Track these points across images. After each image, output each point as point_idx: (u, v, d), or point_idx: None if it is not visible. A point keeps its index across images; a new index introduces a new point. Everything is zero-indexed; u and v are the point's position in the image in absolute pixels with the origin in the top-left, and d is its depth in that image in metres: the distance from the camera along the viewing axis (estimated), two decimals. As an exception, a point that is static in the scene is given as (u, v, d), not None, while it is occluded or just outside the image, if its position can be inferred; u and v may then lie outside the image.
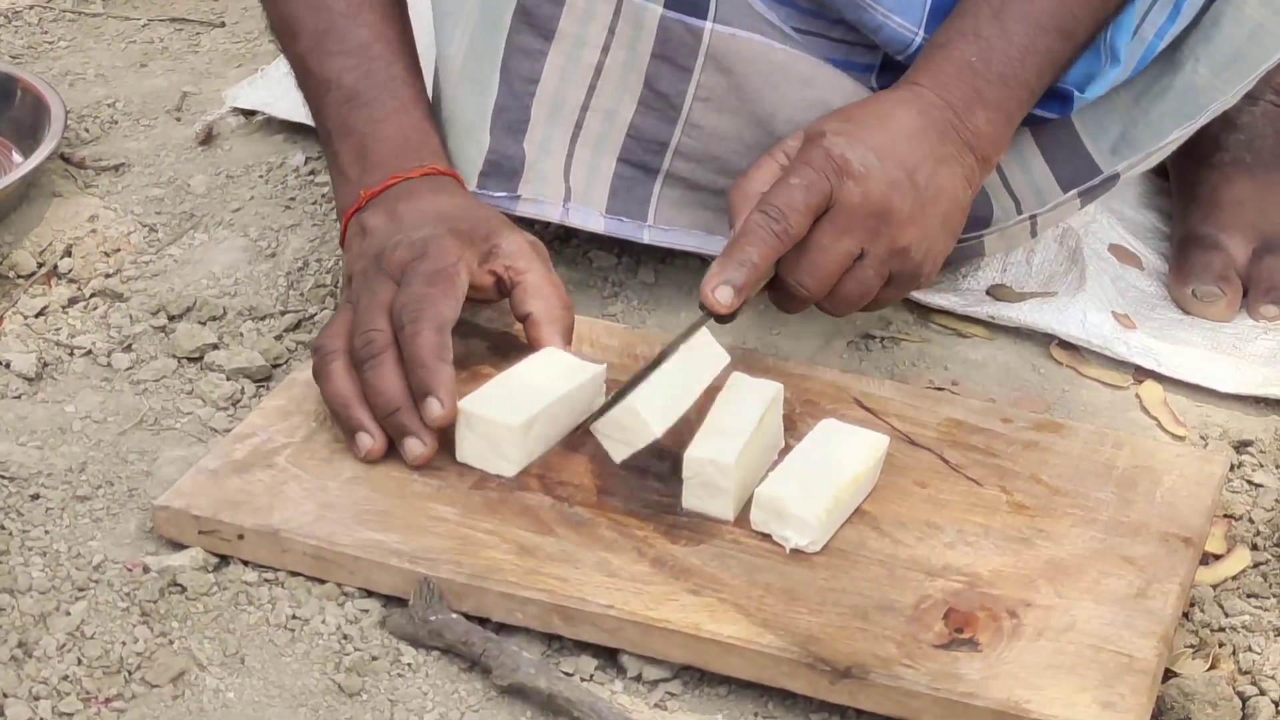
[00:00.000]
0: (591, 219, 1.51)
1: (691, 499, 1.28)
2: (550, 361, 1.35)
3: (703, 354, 1.33)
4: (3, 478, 1.34)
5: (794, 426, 1.36)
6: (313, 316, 1.55)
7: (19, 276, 1.59)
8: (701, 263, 1.60)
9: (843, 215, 1.36)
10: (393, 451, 1.31)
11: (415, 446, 1.30)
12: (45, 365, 1.48)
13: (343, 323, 1.35)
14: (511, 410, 1.30)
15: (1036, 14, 1.41)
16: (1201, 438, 1.46)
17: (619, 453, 1.28)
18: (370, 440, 1.30)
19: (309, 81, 1.48)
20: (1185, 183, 1.70)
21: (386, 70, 1.46)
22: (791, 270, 1.37)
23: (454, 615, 1.21)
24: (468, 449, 1.31)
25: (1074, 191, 1.53)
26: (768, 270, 1.36)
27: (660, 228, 1.52)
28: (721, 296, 1.33)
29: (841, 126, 1.38)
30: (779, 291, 1.39)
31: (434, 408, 1.29)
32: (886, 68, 1.52)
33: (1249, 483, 1.41)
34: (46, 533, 1.29)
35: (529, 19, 1.46)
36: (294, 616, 1.23)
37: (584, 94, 1.48)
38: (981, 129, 1.40)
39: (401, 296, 1.33)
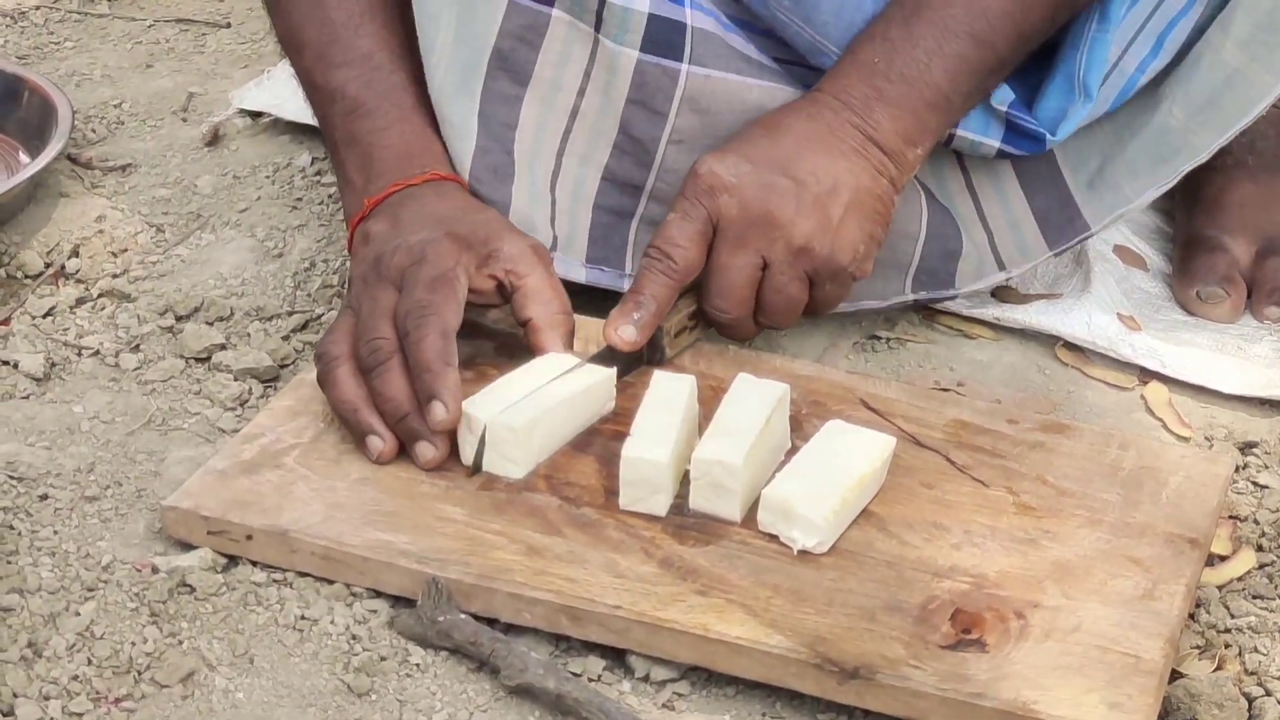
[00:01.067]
0: (573, 269, 1.50)
1: (699, 500, 1.28)
2: (558, 364, 1.36)
3: (672, 384, 1.34)
4: (11, 478, 1.34)
5: (800, 427, 1.37)
6: (320, 317, 1.55)
7: (26, 277, 1.60)
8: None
9: (729, 230, 1.38)
10: (401, 452, 1.32)
11: (426, 450, 1.30)
12: (53, 365, 1.48)
13: (345, 328, 1.36)
14: (514, 412, 1.30)
15: (946, 19, 1.41)
16: (1206, 439, 1.47)
17: (658, 505, 1.29)
18: (381, 443, 1.31)
19: (315, 94, 1.50)
20: (1188, 185, 1.70)
21: (388, 79, 1.47)
22: (706, 298, 1.40)
23: (462, 616, 1.22)
24: (468, 450, 1.31)
25: (1051, 253, 1.54)
26: (670, 306, 1.40)
27: None
28: (625, 334, 1.38)
29: (721, 148, 1.41)
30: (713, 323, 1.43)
31: (439, 411, 1.29)
32: None
33: (1254, 484, 1.42)
34: (55, 533, 1.30)
35: (505, 64, 1.46)
36: (303, 617, 1.23)
37: (559, 139, 1.48)
38: (883, 123, 1.41)
39: (404, 303, 1.33)
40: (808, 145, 1.40)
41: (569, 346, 1.38)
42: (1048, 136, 1.48)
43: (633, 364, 1.40)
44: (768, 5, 1.45)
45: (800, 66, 1.49)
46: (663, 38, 1.45)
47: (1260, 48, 1.47)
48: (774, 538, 1.26)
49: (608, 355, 1.39)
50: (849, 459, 1.28)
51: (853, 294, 1.47)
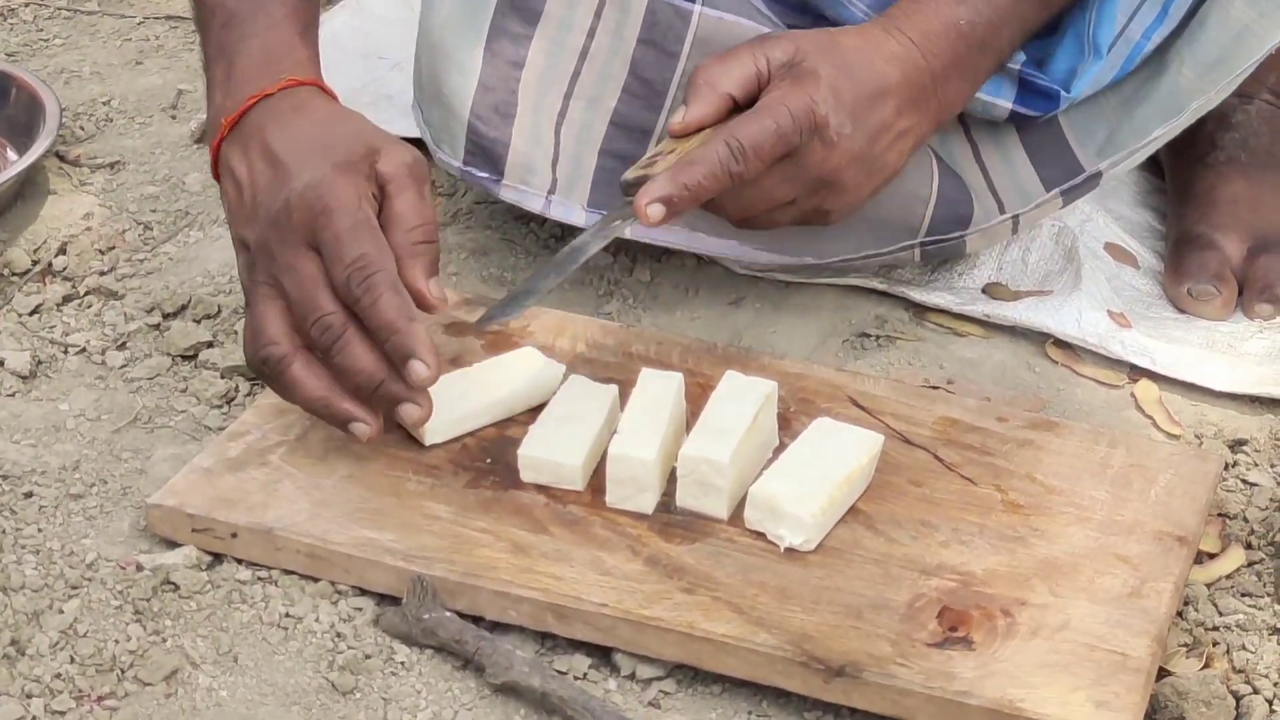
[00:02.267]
0: (573, 213, 1.49)
1: (686, 497, 1.28)
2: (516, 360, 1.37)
3: (660, 382, 1.33)
4: (-4, 476, 1.34)
5: (789, 425, 1.36)
6: (307, 314, 1.54)
7: (13, 274, 1.59)
8: (697, 261, 1.60)
9: (795, 168, 1.37)
10: (387, 449, 1.31)
11: (413, 411, 1.26)
12: (39, 363, 1.48)
13: (275, 315, 1.26)
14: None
15: None
16: (1196, 436, 1.46)
17: (645, 503, 1.28)
18: (367, 425, 1.26)
19: (198, 10, 1.41)
20: (1180, 181, 1.70)
21: None
22: (732, 138, 1.35)
23: (447, 613, 1.21)
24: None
25: (1056, 191, 1.53)
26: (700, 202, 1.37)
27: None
28: (653, 212, 1.34)
29: (833, 74, 1.37)
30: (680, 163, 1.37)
31: (419, 370, 1.23)
32: None
33: (1244, 481, 1.41)
34: (40, 530, 1.29)
35: (515, 2, 1.45)
36: (287, 615, 1.23)
37: (568, 81, 1.47)
38: (949, 98, 1.42)
39: (337, 266, 1.24)
40: (889, 112, 1.39)
41: (431, 276, 1.28)
42: (1062, 93, 1.48)
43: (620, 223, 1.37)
44: None
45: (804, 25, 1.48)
46: None
47: (1269, 2, 1.46)
48: (761, 535, 1.26)
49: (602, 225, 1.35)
50: (837, 456, 1.28)
51: (856, 245, 1.48)
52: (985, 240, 1.56)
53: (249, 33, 1.37)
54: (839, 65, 1.38)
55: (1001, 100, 1.49)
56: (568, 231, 1.61)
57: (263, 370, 1.27)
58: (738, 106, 1.38)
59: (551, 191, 1.48)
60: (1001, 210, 1.54)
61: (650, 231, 1.49)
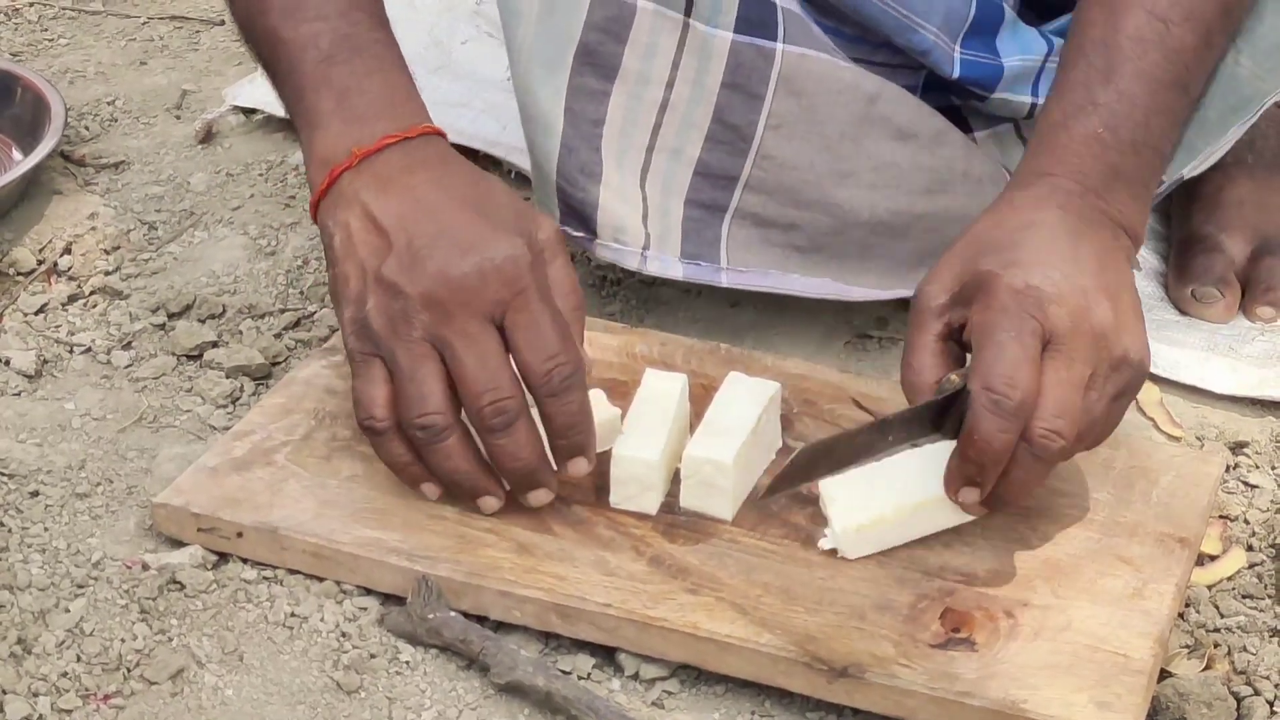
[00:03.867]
0: (670, 266, 1.46)
1: (689, 498, 1.28)
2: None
3: (664, 383, 1.33)
4: (2, 475, 1.34)
5: (791, 426, 1.37)
6: (312, 314, 1.55)
7: (19, 274, 1.60)
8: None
9: (1062, 345, 1.19)
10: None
11: (544, 496, 1.26)
12: (45, 363, 1.48)
13: (436, 382, 1.22)
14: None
15: (1149, 69, 1.29)
16: (1198, 439, 1.47)
17: (649, 503, 1.28)
18: (499, 500, 1.26)
19: (280, 51, 1.35)
20: (1186, 183, 1.70)
21: (369, 35, 1.35)
22: (1035, 427, 1.18)
23: (452, 613, 1.22)
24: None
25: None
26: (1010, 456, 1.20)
27: (737, 269, 1.47)
28: (966, 498, 1.21)
29: (1003, 256, 1.22)
30: (999, 487, 1.21)
31: (583, 467, 1.25)
32: (930, 87, 1.52)
33: (1245, 484, 1.42)
34: (46, 530, 1.30)
35: (591, 58, 1.41)
36: (293, 614, 1.23)
37: (649, 135, 1.44)
38: (1127, 206, 1.28)
39: (536, 357, 1.22)
40: (1084, 245, 1.24)
41: (581, 341, 1.29)
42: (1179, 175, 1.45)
43: (931, 435, 1.23)
44: None
45: (864, 63, 1.46)
46: (756, 17, 1.41)
47: None
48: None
49: (911, 420, 1.22)
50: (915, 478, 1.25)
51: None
52: None
53: (361, 70, 1.32)
54: (999, 248, 1.23)
55: None
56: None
57: (413, 434, 1.23)
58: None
59: (646, 247, 1.45)
60: None
61: (746, 278, 1.47)
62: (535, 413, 1.25)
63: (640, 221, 1.45)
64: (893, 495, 1.25)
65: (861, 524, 1.24)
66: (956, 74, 1.50)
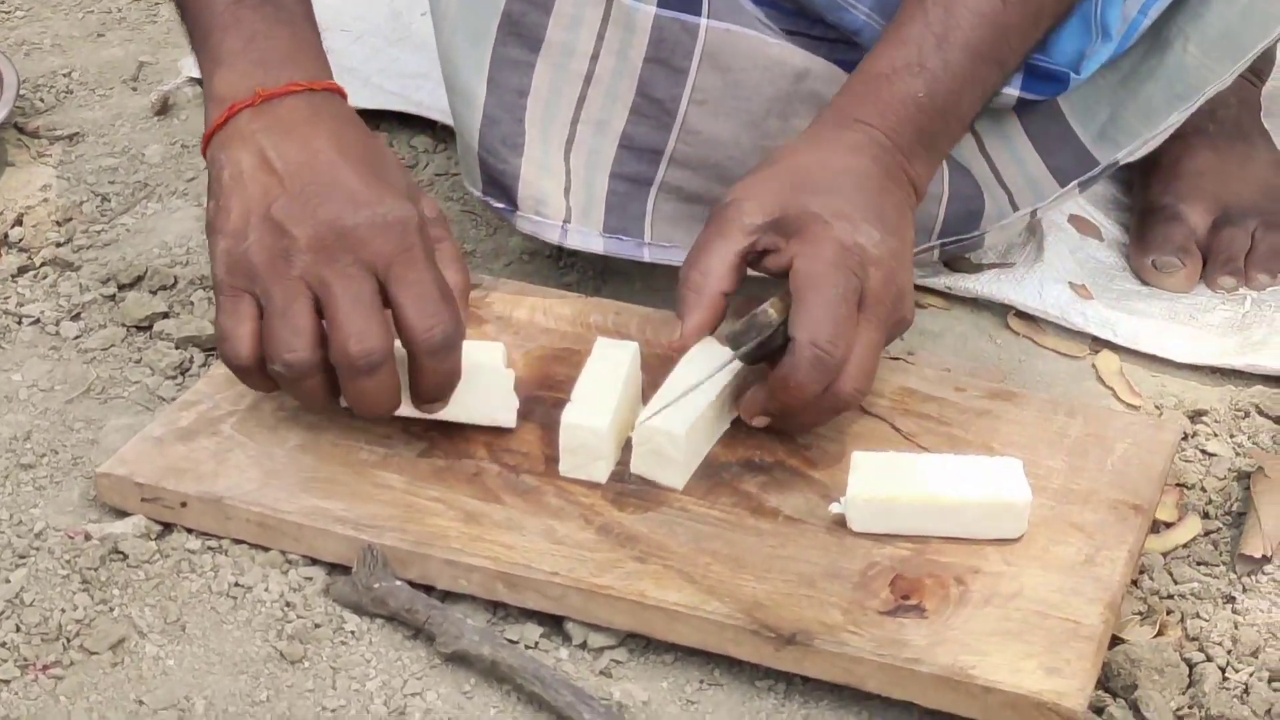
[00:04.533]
0: (591, 240, 1.46)
1: (640, 466, 1.27)
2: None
3: (614, 351, 1.32)
4: (-53, 446, 1.33)
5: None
6: (264, 285, 1.53)
7: (-31, 245, 1.58)
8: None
9: (874, 309, 1.26)
10: (339, 419, 1.29)
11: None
12: (-7, 334, 1.47)
13: (306, 317, 1.22)
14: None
15: (976, 43, 1.34)
16: (1156, 407, 1.46)
17: (599, 471, 1.27)
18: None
19: None
20: (1148, 154, 1.69)
21: None
22: (843, 378, 1.25)
23: (398, 583, 1.20)
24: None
25: (1074, 184, 1.51)
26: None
27: (660, 245, 1.47)
28: (759, 424, 1.29)
29: (824, 202, 1.28)
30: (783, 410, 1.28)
31: (436, 410, 1.27)
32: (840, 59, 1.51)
33: (1203, 452, 1.41)
34: (-11, 500, 1.29)
35: (515, 28, 1.41)
36: (237, 584, 1.22)
37: (574, 106, 1.44)
38: (920, 170, 1.35)
39: (415, 314, 1.22)
40: (887, 200, 1.31)
41: (465, 315, 1.28)
42: (1071, 75, 1.45)
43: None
44: None
45: (803, 36, 1.46)
46: None
47: None
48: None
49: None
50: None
51: None
52: (1004, 234, 1.55)
53: (273, 16, 1.31)
54: (821, 189, 1.30)
55: (1010, 89, 1.45)
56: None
57: (275, 370, 1.22)
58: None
59: (567, 220, 1.45)
60: (1012, 201, 1.52)
61: (668, 253, 1.47)
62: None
63: (562, 194, 1.44)
64: (917, 483, 1.23)
65: (873, 498, 1.22)
66: None
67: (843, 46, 1.47)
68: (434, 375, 1.24)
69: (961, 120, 1.38)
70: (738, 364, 1.29)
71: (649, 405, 1.28)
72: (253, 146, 1.26)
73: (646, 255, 1.47)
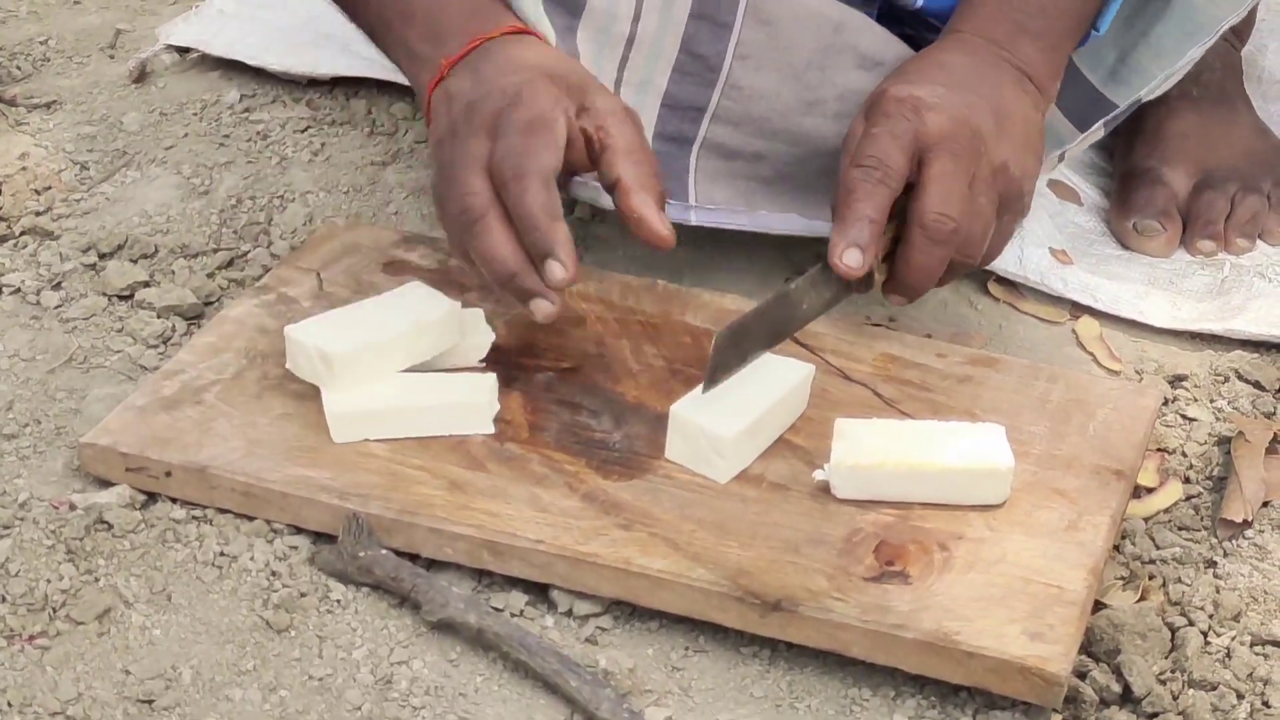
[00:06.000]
0: None
1: (676, 453, 1.26)
2: (409, 295, 1.33)
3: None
4: (-71, 416, 1.33)
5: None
6: (245, 254, 1.53)
7: (-52, 215, 1.58)
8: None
9: (939, 144, 1.30)
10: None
11: (544, 306, 1.25)
12: (-27, 304, 1.47)
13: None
14: (337, 339, 1.27)
15: None
16: (1137, 372, 1.46)
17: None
18: (551, 305, 1.25)
19: None
20: (1130, 116, 1.69)
21: None
22: (924, 211, 1.29)
23: (383, 551, 1.21)
24: (302, 365, 1.29)
25: (1099, 124, 1.50)
26: (886, 226, 1.30)
27: (706, 208, 1.46)
28: (851, 260, 1.28)
29: (899, 78, 1.35)
30: (901, 273, 1.32)
31: (556, 271, 1.23)
32: (883, 18, 1.51)
33: (1183, 417, 1.41)
34: (-28, 471, 1.28)
35: None
36: (222, 553, 1.22)
37: (616, 68, 1.43)
38: (1031, 56, 1.38)
39: (499, 150, 1.25)
40: (979, 75, 1.36)
41: (661, 208, 1.28)
42: (1094, 33, 1.45)
43: (841, 292, 1.31)
44: None
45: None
46: None
47: None
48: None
49: (813, 281, 1.29)
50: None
51: None
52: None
53: None
54: (899, 74, 1.36)
55: None
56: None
57: (458, 225, 1.26)
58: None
59: None
60: None
61: (715, 216, 1.46)
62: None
63: None
64: (901, 449, 1.23)
65: (857, 464, 1.23)
66: (919, 4, 1.49)
67: (860, 2, 1.47)
68: (515, 206, 1.23)
69: (1070, 14, 1.40)
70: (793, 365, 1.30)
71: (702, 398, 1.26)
72: (441, 100, 1.31)
73: (694, 219, 1.45)
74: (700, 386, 1.25)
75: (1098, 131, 1.52)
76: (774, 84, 1.44)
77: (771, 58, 1.43)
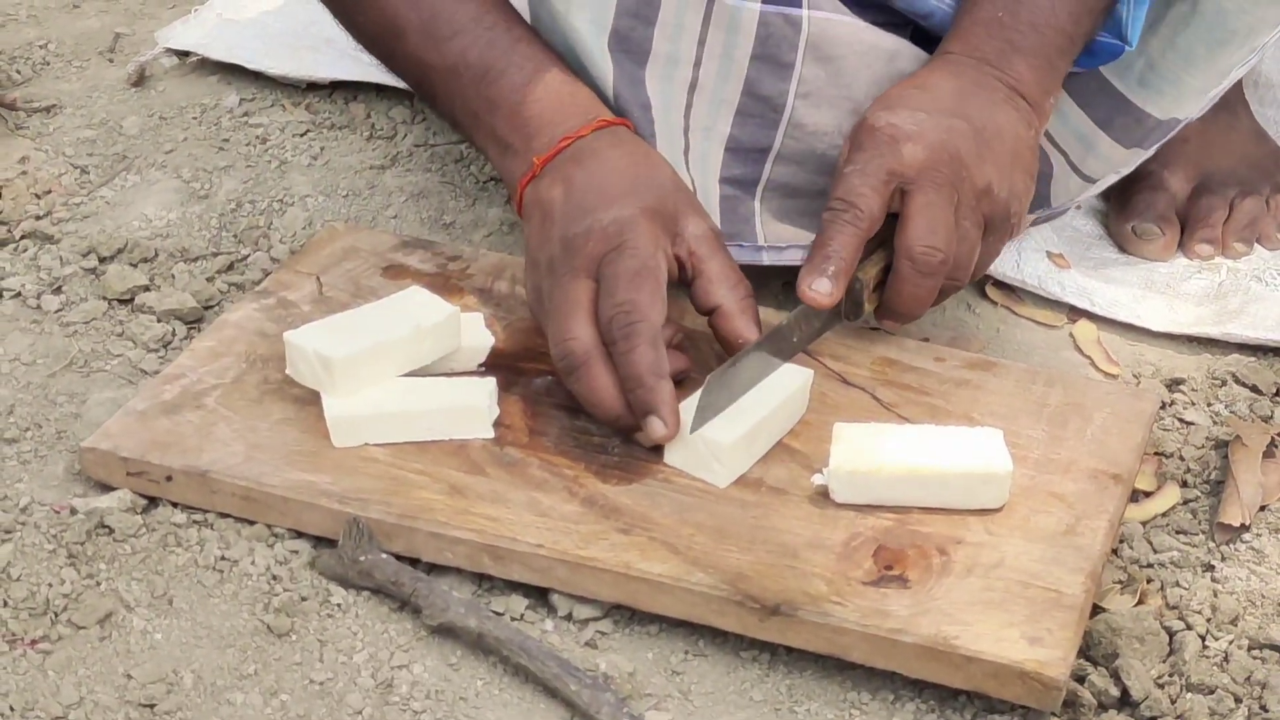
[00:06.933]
0: None
1: (677, 460, 1.27)
2: (409, 300, 1.33)
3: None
4: (-70, 420, 1.33)
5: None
6: (245, 258, 1.54)
7: (-52, 219, 1.58)
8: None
9: (919, 175, 1.32)
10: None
11: (653, 434, 1.26)
12: (-27, 308, 1.47)
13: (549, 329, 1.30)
14: (337, 344, 1.27)
15: None
16: (1134, 376, 1.47)
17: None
18: (664, 427, 1.25)
19: (431, 74, 1.40)
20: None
21: (508, 35, 1.39)
22: (910, 243, 1.31)
23: (384, 555, 1.21)
24: (302, 370, 1.29)
25: (1148, 149, 1.51)
26: (858, 258, 1.32)
27: (776, 247, 1.47)
28: (819, 288, 1.30)
29: (880, 105, 1.36)
30: (891, 302, 1.35)
31: (658, 428, 1.24)
32: (915, 39, 1.50)
33: (1181, 420, 1.42)
34: (-27, 475, 1.29)
35: (624, 45, 1.40)
36: (223, 558, 1.23)
37: (683, 115, 1.43)
38: (1023, 74, 1.38)
39: (607, 303, 1.27)
40: (964, 96, 1.36)
41: (758, 330, 1.31)
42: (1125, 46, 1.44)
43: (830, 321, 1.35)
44: None
45: (883, 20, 1.46)
46: None
47: None
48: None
49: (803, 315, 1.32)
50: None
51: None
52: (1068, 195, 1.55)
53: (519, 81, 1.37)
54: (883, 99, 1.37)
55: None
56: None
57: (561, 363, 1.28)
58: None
59: None
60: (1069, 162, 1.52)
61: (785, 255, 1.46)
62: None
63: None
64: (899, 454, 1.24)
65: (856, 469, 1.23)
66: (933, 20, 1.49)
67: (891, 26, 1.47)
68: (622, 365, 1.25)
69: (1062, 32, 1.39)
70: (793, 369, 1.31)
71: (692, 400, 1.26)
72: (534, 206, 1.34)
73: (765, 259, 1.46)
74: (701, 388, 1.25)
75: (1141, 154, 1.52)
76: (835, 119, 1.45)
77: (831, 94, 1.44)
